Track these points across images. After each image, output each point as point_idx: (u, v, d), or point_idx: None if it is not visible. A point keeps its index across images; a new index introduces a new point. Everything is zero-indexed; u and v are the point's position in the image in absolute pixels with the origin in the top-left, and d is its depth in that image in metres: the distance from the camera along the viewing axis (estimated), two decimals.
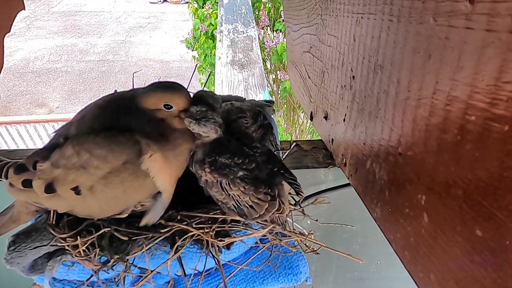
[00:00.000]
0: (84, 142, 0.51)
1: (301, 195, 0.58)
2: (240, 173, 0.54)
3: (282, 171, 0.57)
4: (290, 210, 0.67)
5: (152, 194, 0.54)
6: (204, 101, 0.55)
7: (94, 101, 0.57)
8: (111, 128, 0.52)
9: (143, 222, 0.56)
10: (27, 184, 0.53)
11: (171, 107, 0.53)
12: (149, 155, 0.51)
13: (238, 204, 0.55)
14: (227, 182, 0.54)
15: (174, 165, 0.55)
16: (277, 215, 0.57)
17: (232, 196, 0.55)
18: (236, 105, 0.64)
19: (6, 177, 0.54)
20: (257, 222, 0.59)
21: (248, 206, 0.55)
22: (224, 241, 0.58)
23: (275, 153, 0.63)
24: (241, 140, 0.58)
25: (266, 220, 0.59)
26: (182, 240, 0.57)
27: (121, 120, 0.53)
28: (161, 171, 0.53)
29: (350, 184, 0.71)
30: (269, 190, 0.54)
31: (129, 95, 0.55)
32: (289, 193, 0.67)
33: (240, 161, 0.54)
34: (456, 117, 0.35)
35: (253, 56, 1.98)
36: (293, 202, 0.69)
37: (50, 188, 0.52)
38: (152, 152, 0.51)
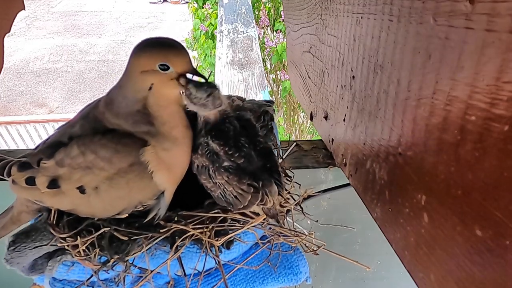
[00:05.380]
0: (90, 143, 0.51)
1: (286, 198, 0.57)
2: (226, 164, 0.53)
3: (271, 168, 0.55)
4: (288, 210, 0.66)
5: (156, 194, 0.54)
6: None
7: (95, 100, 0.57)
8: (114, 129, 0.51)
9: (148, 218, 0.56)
10: (31, 181, 0.53)
11: (168, 68, 0.46)
12: (146, 148, 0.50)
13: (224, 193, 0.55)
14: (213, 169, 0.54)
15: (170, 159, 0.53)
16: (262, 206, 0.56)
17: (219, 185, 0.55)
18: (238, 103, 0.65)
19: (9, 175, 0.54)
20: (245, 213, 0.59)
21: (233, 196, 0.54)
22: (220, 240, 0.58)
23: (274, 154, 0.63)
24: (246, 129, 0.56)
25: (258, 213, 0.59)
26: (182, 240, 0.57)
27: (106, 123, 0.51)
28: (159, 167, 0.52)
29: (350, 184, 0.71)
30: (253, 182, 0.53)
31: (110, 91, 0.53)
32: (289, 192, 0.67)
33: (231, 152, 0.53)
34: (456, 117, 0.35)
35: (253, 56, 1.98)
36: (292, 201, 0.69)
37: (54, 184, 0.51)
38: (149, 145, 0.50)
